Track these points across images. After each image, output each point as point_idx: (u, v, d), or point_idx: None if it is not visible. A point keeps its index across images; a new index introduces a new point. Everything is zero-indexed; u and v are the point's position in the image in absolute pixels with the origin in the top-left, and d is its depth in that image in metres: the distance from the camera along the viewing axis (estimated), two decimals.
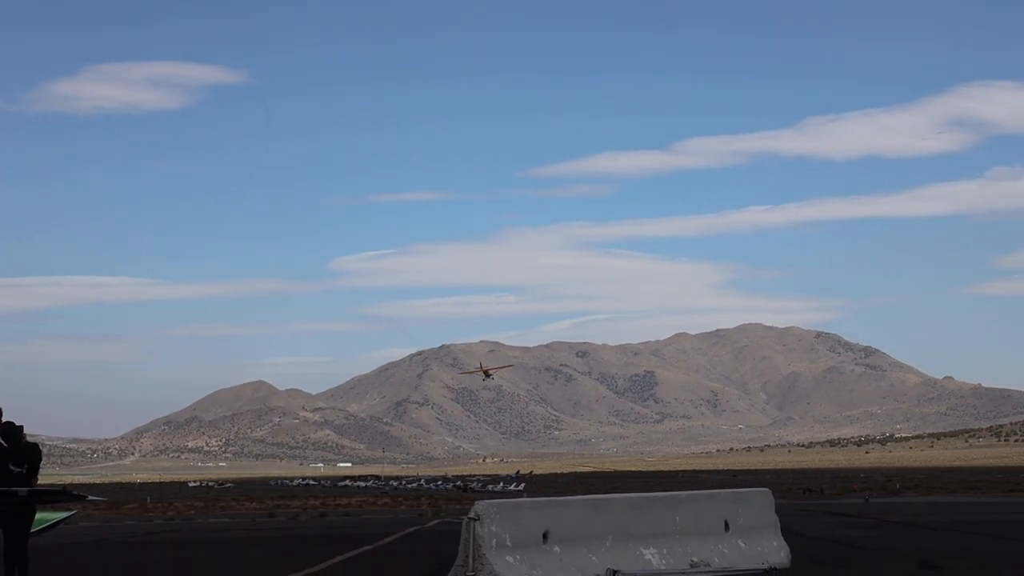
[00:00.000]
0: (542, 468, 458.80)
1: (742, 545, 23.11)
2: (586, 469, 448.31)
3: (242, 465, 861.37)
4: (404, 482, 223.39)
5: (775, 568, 23.02)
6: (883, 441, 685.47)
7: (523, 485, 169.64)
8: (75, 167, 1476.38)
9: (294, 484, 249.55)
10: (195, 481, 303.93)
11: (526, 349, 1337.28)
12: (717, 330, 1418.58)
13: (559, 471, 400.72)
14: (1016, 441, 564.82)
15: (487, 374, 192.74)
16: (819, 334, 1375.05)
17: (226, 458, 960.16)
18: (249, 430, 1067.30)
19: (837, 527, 40.88)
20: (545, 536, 20.11)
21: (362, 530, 45.80)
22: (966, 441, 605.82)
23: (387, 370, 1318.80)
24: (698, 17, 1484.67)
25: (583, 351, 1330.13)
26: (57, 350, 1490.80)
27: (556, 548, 20.19)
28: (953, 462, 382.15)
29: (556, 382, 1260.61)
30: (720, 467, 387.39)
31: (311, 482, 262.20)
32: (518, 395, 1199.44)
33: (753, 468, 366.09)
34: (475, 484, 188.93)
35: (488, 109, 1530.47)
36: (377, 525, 51.40)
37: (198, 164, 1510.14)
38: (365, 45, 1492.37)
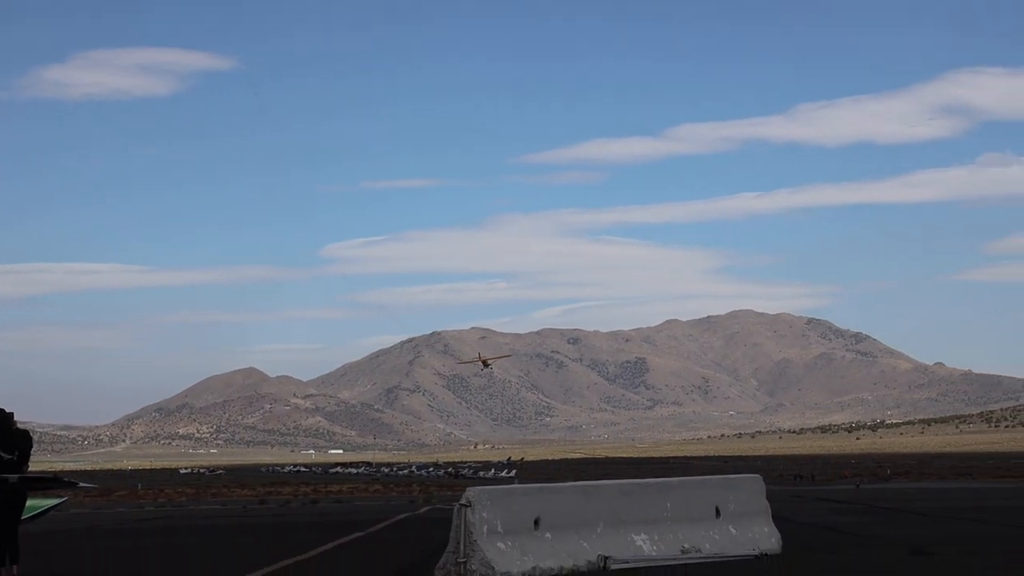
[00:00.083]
0: (533, 455, 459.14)
1: (733, 531, 23.14)
2: (577, 456, 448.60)
3: (233, 452, 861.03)
4: (395, 469, 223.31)
5: (766, 554, 23.04)
6: (874, 427, 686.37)
7: (514, 472, 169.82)
8: (66, 154, 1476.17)
9: (285, 471, 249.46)
10: (186, 468, 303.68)
11: (517, 336, 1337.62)
12: (708, 316, 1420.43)
13: (550, 458, 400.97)
14: (1006, 427, 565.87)
15: (485, 364, 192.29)
16: (810, 320, 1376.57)
17: (217, 445, 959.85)
18: (240, 417, 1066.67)
19: (828, 513, 40.93)
20: (536, 522, 20.12)
21: (353, 517, 45.80)
22: (957, 427, 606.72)
23: (378, 357, 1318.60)
24: (689, 4, 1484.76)
25: (574, 338, 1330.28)
26: (48, 337, 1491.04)
27: (547, 534, 20.21)
28: (944, 448, 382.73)
29: (547, 369, 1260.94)
30: (711, 453, 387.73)
31: (302, 469, 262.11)
32: (509, 382, 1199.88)
33: (744, 454, 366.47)
34: (466, 471, 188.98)
35: (479, 96, 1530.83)
36: (368, 512, 51.40)
37: (189, 151, 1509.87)
38: (356, 31, 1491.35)
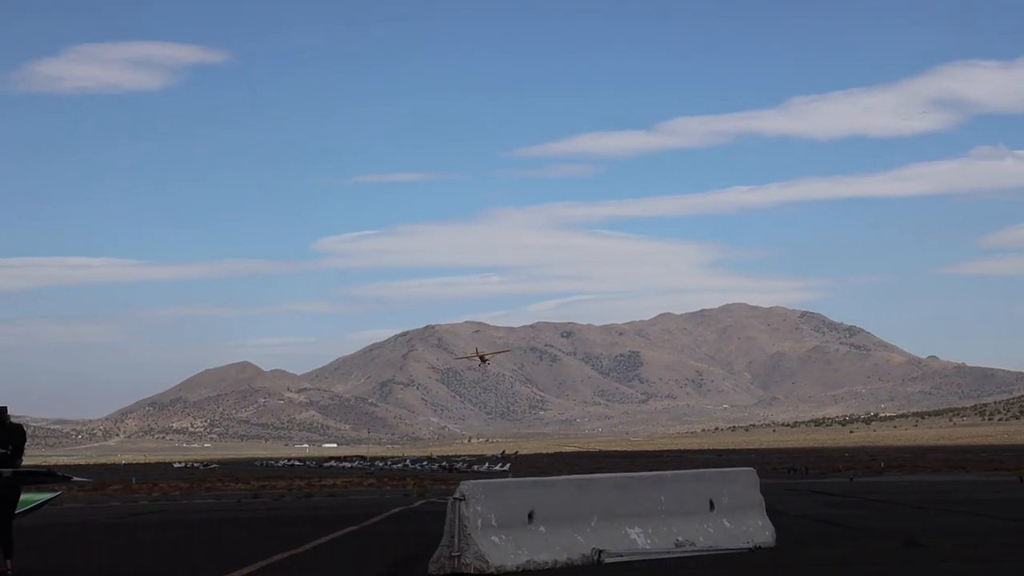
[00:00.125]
0: (527, 448, 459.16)
1: (727, 524, 23.16)
2: (571, 449, 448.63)
3: (227, 446, 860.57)
4: (389, 463, 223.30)
5: (760, 547, 23.07)
6: (867, 420, 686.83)
7: (508, 465, 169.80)
8: (59, 148, 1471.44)
9: (279, 465, 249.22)
10: (180, 462, 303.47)
11: (511, 329, 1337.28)
12: (702, 310, 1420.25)
13: (544, 451, 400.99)
14: (1000, 420, 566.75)
15: (483, 359, 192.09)
16: (803, 314, 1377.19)
17: (211, 439, 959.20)
18: (234, 411, 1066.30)
19: (822, 506, 41.00)
20: (531, 516, 20.14)
21: (348, 511, 45.84)
22: (950, 420, 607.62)
23: (372, 351, 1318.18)
24: None
25: (568, 331, 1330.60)
26: (41, 331, 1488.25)
27: (541, 528, 20.23)
28: (937, 441, 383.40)
29: (541, 362, 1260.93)
30: (705, 447, 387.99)
31: (296, 463, 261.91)
32: (503, 375, 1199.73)
33: (738, 448, 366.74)
34: (460, 464, 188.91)
35: (473, 89, 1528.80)
36: (363, 506, 51.44)
37: (181, 145, 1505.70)
38: (349, 25, 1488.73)
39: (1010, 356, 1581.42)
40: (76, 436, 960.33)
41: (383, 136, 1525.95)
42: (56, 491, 34.08)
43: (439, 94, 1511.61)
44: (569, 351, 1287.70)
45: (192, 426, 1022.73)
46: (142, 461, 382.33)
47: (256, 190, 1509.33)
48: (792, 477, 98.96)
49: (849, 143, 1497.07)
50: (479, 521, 19.39)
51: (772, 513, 25.24)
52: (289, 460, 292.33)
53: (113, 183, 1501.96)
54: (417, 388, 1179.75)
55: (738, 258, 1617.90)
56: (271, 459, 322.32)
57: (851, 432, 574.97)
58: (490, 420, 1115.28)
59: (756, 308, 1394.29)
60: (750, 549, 22.71)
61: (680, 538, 22.10)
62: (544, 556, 19.98)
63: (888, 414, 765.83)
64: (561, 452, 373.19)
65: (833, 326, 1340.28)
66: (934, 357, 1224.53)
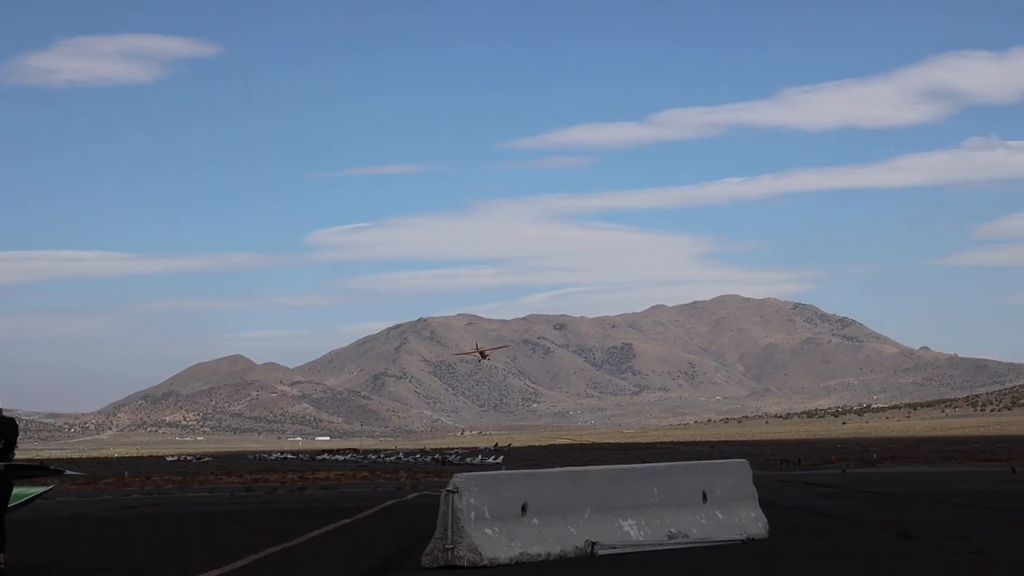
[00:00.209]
0: (520, 441, 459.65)
1: (720, 516, 23.17)
2: (564, 441, 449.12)
3: (220, 439, 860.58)
4: (382, 455, 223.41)
5: (753, 539, 23.08)
6: (860, 412, 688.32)
7: (501, 458, 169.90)
8: (50, 141, 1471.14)
9: (272, 458, 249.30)
10: (173, 455, 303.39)
11: (504, 322, 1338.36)
12: (694, 302, 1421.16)
13: (537, 444, 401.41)
14: (992, 411, 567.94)
15: (483, 355, 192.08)
16: (796, 305, 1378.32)
17: (204, 432, 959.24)
18: (227, 404, 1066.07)
19: (815, 497, 41.03)
20: (524, 508, 20.13)
21: (341, 504, 45.83)
22: (942, 411, 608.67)
23: (364, 343, 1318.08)
24: None
25: (561, 323, 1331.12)
26: (33, 324, 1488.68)
27: (535, 520, 20.23)
28: (930, 432, 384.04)
29: (534, 355, 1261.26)
30: (698, 439, 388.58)
31: (289, 456, 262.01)
32: (496, 368, 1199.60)
33: (731, 439, 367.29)
34: (453, 457, 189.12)
35: (465, 81, 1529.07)
36: (356, 499, 51.43)
37: (173, 137, 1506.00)
38: (341, 17, 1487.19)
39: (1002, 347, 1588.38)
40: (68, 430, 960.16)
41: (375, 128, 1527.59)
42: (49, 485, 34.02)
43: (431, 86, 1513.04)
44: (562, 343, 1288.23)
45: (185, 419, 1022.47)
46: (135, 455, 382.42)
47: (248, 183, 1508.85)
48: (785, 469, 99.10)
49: (841, 134, 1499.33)
50: (472, 514, 19.39)
51: (765, 504, 25.26)
52: (282, 453, 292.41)
53: (105, 176, 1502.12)
54: (410, 381, 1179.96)
55: (730, 250, 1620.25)
56: (264, 452, 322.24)
57: (843, 423, 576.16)
58: (483, 413, 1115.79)
59: (748, 300, 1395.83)
60: (743, 540, 22.73)
61: (673, 530, 22.11)
62: (537, 548, 19.99)
63: (880, 405, 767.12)
64: (554, 444, 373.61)
65: (825, 317, 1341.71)
66: (926, 348, 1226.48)
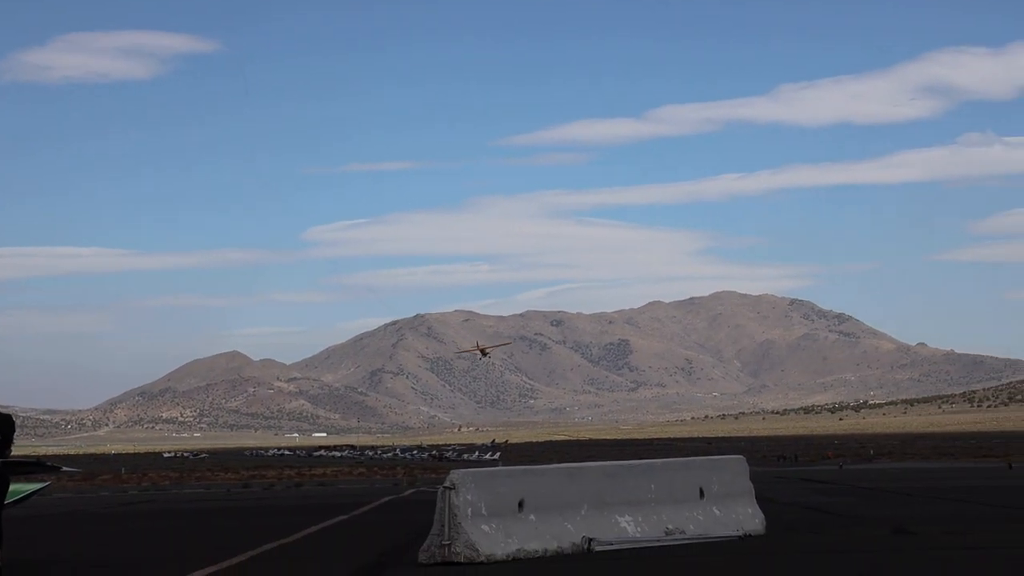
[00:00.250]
0: (517, 437, 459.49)
1: (717, 512, 23.18)
2: (561, 438, 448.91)
3: (216, 435, 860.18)
4: (379, 452, 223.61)
5: (750, 535, 23.09)
6: (857, 408, 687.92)
7: (498, 454, 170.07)
8: (47, 137, 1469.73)
9: (269, 454, 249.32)
10: (169, 452, 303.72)
11: (501, 318, 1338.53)
12: (691, 298, 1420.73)
13: (534, 440, 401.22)
14: (989, 407, 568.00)
15: (484, 353, 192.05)
16: (793, 301, 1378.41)
17: (200, 428, 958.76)
18: (223, 400, 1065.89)
19: (811, 494, 41.06)
20: (520, 505, 20.14)
21: (337, 500, 45.86)
22: (939, 407, 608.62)
23: (361, 340, 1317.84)
24: None
25: (557, 320, 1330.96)
26: (30, 321, 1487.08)
27: (531, 516, 20.24)
28: (926, 428, 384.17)
29: (531, 351, 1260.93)
30: (694, 435, 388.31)
31: (286, 452, 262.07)
32: (493, 364, 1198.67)
33: (727, 435, 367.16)
34: (450, 453, 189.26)
35: (462, 77, 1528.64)
36: (352, 495, 51.46)
37: (171, 134, 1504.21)
38: (338, 13, 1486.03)
39: (999, 343, 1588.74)
40: (65, 426, 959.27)
41: (373, 125, 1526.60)
42: (45, 481, 34.03)
43: (429, 83, 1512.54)
44: (559, 340, 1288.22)
45: (181, 416, 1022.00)
46: (131, 451, 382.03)
47: (245, 180, 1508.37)
48: (781, 465, 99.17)
49: (838, 130, 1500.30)
50: (469, 510, 19.40)
51: (762, 501, 25.27)
52: (279, 449, 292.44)
53: (102, 172, 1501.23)
54: (407, 377, 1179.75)
55: (728, 246, 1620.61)
56: (261, 448, 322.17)
57: (840, 419, 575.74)
58: (480, 409, 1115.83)
59: (745, 296, 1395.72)
60: (740, 537, 22.74)
61: (670, 526, 22.12)
62: (534, 545, 19.99)
63: (877, 401, 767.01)
64: (551, 441, 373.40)
65: (822, 313, 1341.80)
66: (923, 344, 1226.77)
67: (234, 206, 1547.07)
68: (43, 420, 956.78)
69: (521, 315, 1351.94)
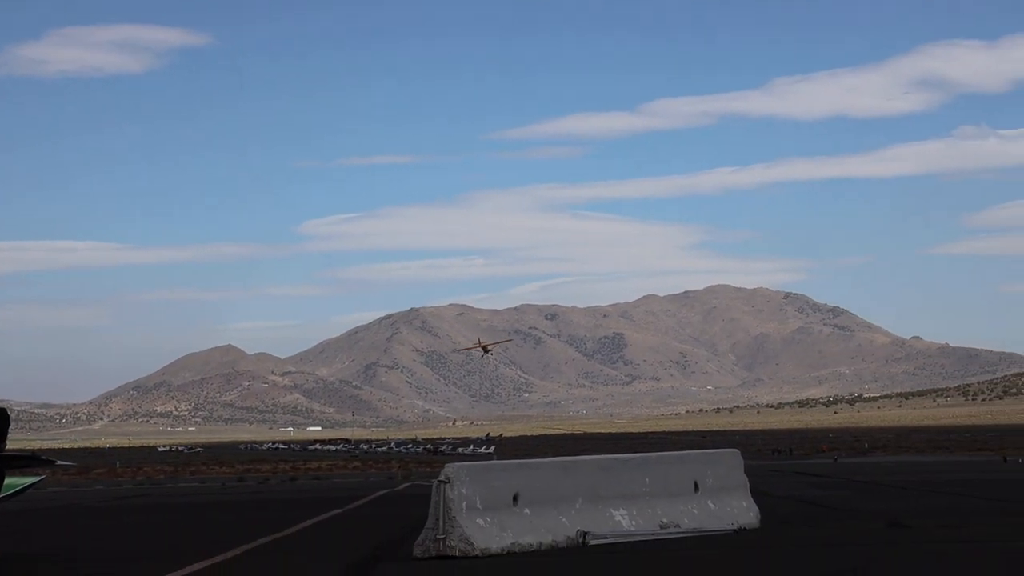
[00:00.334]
0: (512, 431, 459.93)
1: (712, 506, 23.20)
2: (556, 431, 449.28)
3: (211, 429, 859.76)
4: (374, 446, 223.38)
5: (745, 528, 23.11)
6: (851, 401, 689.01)
7: (493, 448, 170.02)
8: (42, 132, 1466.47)
9: (264, 448, 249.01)
10: (164, 446, 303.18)
11: (495, 312, 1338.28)
12: (686, 292, 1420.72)
13: (529, 434, 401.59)
14: (983, 400, 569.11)
15: (486, 349, 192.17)
16: (787, 295, 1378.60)
17: (195, 423, 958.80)
18: (218, 394, 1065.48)
19: (806, 487, 41.10)
20: (515, 498, 20.15)
21: (332, 494, 45.86)
22: (934, 400, 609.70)
23: (356, 334, 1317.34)
24: None
25: (552, 313, 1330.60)
26: (25, 315, 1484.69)
27: (526, 510, 20.24)
28: (921, 421, 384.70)
29: (525, 345, 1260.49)
30: (689, 428, 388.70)
31: (281, 446, 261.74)
32: (487, 358, 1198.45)
33: (722, 429, 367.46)
34: (445, 447, 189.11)
35: (456, 71, 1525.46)
36: (347, 489, 51.46)
37: (165, 128, 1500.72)
38: (331, 7, 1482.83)
39: (994, 336, 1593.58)
40: (60, 420, 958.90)
41: (366, 118, 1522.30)
42: (40, 475, 34.00)
43: (422, 76, 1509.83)
44: (553, 333, 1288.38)
45: (176, 410, 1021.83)
46: (126, 445, 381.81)
47: (240, 173, 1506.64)
48: (776, 458, 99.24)
49: (833, 123, 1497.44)
50: (464, 504, 19.41)
51: (756, 494, 25.29)
52: (273, 443, 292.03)
53: (97, 167, 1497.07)
54: (401, 371, 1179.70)
55: (722, 239, 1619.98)
56: (255, 442, 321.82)
57: (835, 413, 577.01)
58: (475, 403, 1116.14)
59: (740, 289, 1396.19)
60: (735, 530, 22.76)
61: (665, 520, 22.14)
62: (529, 538, 20.00)
63: (872, 395, 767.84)
64: (546, 434, 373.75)
65: (817, 307, 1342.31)
66: (918, 338, 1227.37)
67: (228, 200, 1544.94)
68: (38, 414, 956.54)
69: (515, 309, 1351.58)
